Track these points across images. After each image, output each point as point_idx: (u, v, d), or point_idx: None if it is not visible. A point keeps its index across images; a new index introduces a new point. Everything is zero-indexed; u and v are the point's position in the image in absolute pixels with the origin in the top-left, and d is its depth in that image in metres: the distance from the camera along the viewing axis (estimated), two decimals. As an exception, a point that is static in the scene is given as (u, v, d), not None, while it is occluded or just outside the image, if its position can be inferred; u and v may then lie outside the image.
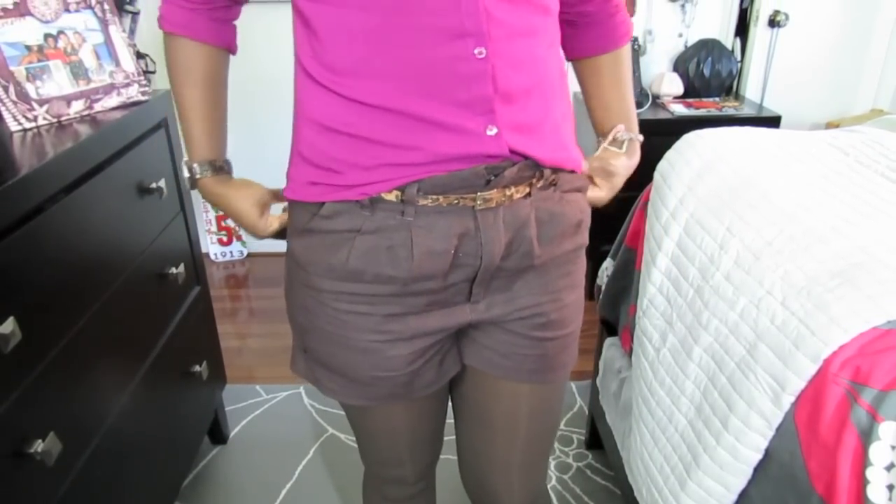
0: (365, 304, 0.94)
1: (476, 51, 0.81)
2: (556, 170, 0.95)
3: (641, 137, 1.16)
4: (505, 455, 1.17)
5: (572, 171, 1.00)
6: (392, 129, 0.85)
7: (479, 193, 0.88)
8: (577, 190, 1.02)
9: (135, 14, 2.82)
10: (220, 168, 1.06)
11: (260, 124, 3.29)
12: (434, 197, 0.87)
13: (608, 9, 1.09)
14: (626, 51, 1.14)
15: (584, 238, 1.04)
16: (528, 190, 0.92)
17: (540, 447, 1.20)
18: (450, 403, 1.21)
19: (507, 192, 0.90)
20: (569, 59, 1.15)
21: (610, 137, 1.14)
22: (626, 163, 1.13)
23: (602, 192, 1.13)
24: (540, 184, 0.93)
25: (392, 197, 0.87)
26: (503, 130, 0.85)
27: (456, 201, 0.88)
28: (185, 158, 1.07)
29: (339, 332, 0.98)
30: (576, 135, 1.03)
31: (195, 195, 1.40)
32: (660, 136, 1.83)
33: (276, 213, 1.07)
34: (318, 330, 1.00)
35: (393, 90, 0.83)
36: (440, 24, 0.80)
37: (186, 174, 1.07)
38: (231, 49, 1.07)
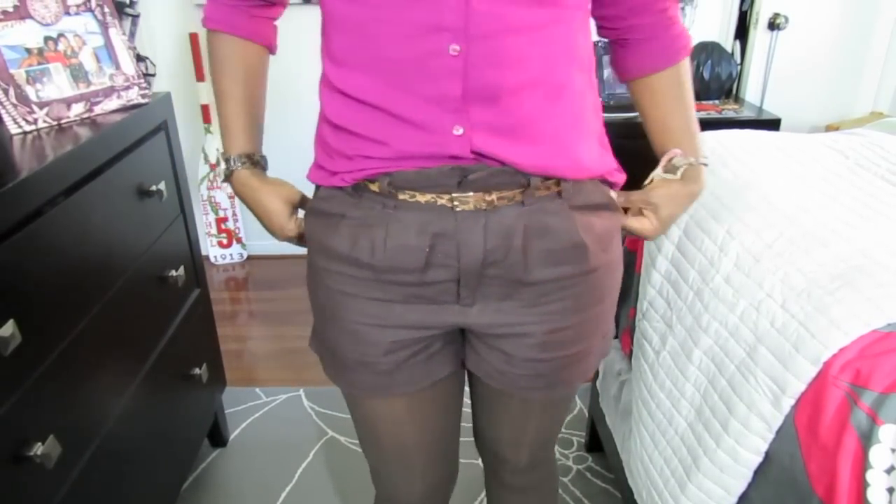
0: (351, 285, 0.96)
1: (451, 47, 0.80)
2: (559, 180, 0.90)
3: (706, 159, 1.05)
4: (515, 437, 1.18)
5: (598, 182, 0.96)
6: (368, 123, 0.86)
7: (453, 194, 0.87)
8: (594, 207, 0.95)
9: (135, 17, 2.82)
10: (257, 162, 1.06)
11: (266, 123, 3.29)
12: (411, 192, 0.88)
13: (664, 20, 1.00)
14: (686, 65, 1.04)
15: (588, 264, 0.95)
16: (520, 198, 0.89)
17: (550, 429, 1.20)
18: (458, 409, 1.20)
19: (488, 198, 0.87)
20: (622, 80, 1.08)
21: (662, 164, 1.04)
22: (677, 191, 1.03)
23: (647, 225, 1.05)
24: (540, 192, 0.89)
25: (375, 188, 0.90)
26: (472, 131, 0.84)
27: (432, 199, 0.88)
28: (221, 150, 1.07)
29: (330, 310, 1.00)
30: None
31: (195, 199, 1.40)
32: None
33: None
34: (318, 307, 1.03)
35: (371, 83, 0.84)
36: (420, 18, 0.79)
37: (222, 166, 1.07)
38: (270, 48, 1.08)
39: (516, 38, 0.81)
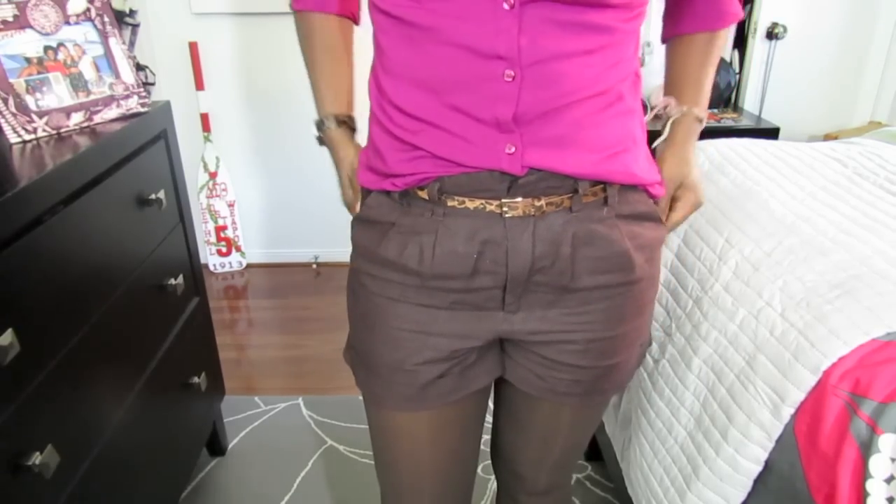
0: (397, 290, 0.96)
1: (506, 73, 0.80)
2: (606, 186, 0.90)
3: (702, 115, 1.04)
4: (538, 455, 1.17)
5: (643, 192, 0.96)
6: (417, 135, 0.87)
7: (503, 200, 0.87)
8: (639, 217, 0.96)
9: (135, 26, 2.83)
10: (343, 122, 1.08)
11: (265, 132, 3.30)
12: (460, 199, 0.88)
13: None
14: (722, 35, 1.05)
15: (634, 274, 0.96)
16: (568, 204, 0.89)
17: (574, 450, 1.20)
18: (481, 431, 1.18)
19: (537, 203, 0.88)
20: (663, 40, 1.10)
21: (651, 114, 1.04)
22: (672, 152, 1.03)
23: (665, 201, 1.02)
24: (587, 199, 0.90)
25: (424, 195, 0.90)
26: (524, 148, 0.84)
27: (482, 206, 0.88)
28: (315, 117, 1.10)
29: (370, 316, 1.00)
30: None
31: (194, 207, 1.40)
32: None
33: None
34: (358, 315, 1.03)
35: (423, 99, 0.85)
36: (473, 45, 0.80)
37: (315, 132, 1.10)
38: (355, 18, 1.09)
39: (569, 62, 0.82)
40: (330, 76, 1.07)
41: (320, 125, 1.07)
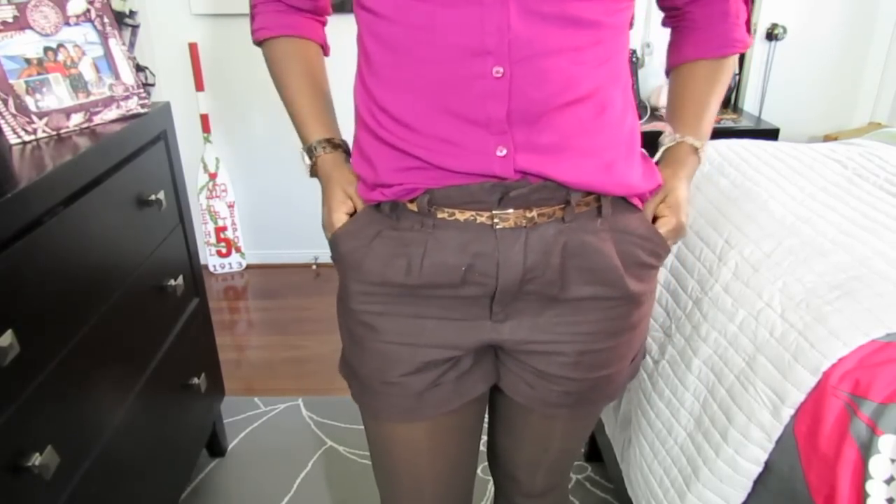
0: (380, 303, 0.95)
1: (494, 70, 0.80)
2: (599, 197, 0.90)
3: (698, 142, 1.01)
4: (533, 459, 1.17)
5: (636, 210, 0.95)
6: (407, 141, 0.85)
7: (494, 212, 0.86)
8: (635, 235, 0.94)
9: (135, 27, 2.83)
10: (338, 146, 1.03)
11: (265, 133, 3.30)
12: (450, 210, 0.87)
13: (718, 13, 1.01)
14: (727, 64, 1.04)
15: (625, 290, 0.94)
16: (560, 214, 0.88)
17: (569, 453, 1.20)
18: (479, 436, 1.18)
19: (528, 215, 0.86)
20: (668, 69, 1.09)
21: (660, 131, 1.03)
22: (666, 175, 1.00)
23: (665, 222, 0.97)
24: (580, 209, 0.89)
25: (413, 207, 0.88)
26: (516, 151, 0.83)
27: (472, 217, 0.87)
28: (301, 146, 1.04)
29: (357, 330, 0.98)
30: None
31: (194, 208, 1.39)
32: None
33: None
34: (344, 328, 1.03)
35: (412, 103, 0.84)
36: (461, 41, 0.80)
37: (306, 161, 1.03)
38: (324, 47, 1.08)
39: (558, 59, 0.81)
40: (313, 99, 1.04)
41: (310, 153, 1.02)
